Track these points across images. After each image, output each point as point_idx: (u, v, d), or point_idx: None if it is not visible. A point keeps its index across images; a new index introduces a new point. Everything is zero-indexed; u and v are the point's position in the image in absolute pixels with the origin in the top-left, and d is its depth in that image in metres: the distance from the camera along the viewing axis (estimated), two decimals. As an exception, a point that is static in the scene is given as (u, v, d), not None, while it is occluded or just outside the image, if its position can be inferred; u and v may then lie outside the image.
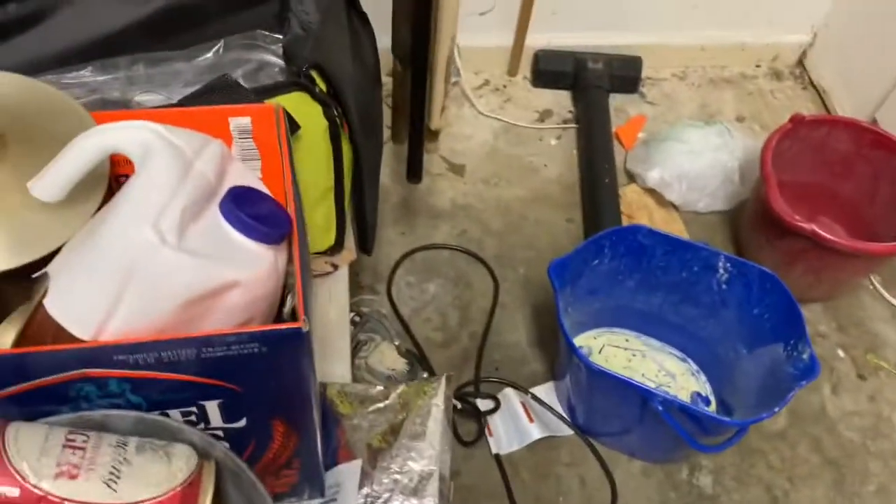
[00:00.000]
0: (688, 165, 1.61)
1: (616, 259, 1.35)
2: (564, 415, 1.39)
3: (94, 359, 0.50)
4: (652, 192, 1.66)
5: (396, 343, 1.12)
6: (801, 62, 2.00)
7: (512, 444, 1.37)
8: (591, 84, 1.79)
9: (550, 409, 1.38)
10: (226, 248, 0.52)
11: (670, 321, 1.43)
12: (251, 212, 0.54)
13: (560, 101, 1.87)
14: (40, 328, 0.51)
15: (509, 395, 1.40)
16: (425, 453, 0.71)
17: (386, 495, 0.69)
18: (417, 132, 1.14)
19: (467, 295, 1.55)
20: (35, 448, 0.48)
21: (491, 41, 1.85)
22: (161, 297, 0.50)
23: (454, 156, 1.74)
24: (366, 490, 0.69)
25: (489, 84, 1.89)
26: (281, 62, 0.86)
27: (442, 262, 1.59)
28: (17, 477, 0.47)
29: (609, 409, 1.30)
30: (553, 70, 1.83)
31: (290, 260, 0.58)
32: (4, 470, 0.47)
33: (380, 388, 0.78)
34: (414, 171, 1.22)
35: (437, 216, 1.65)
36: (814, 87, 1.97)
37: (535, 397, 1.39)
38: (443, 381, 0.76)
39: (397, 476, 0.70)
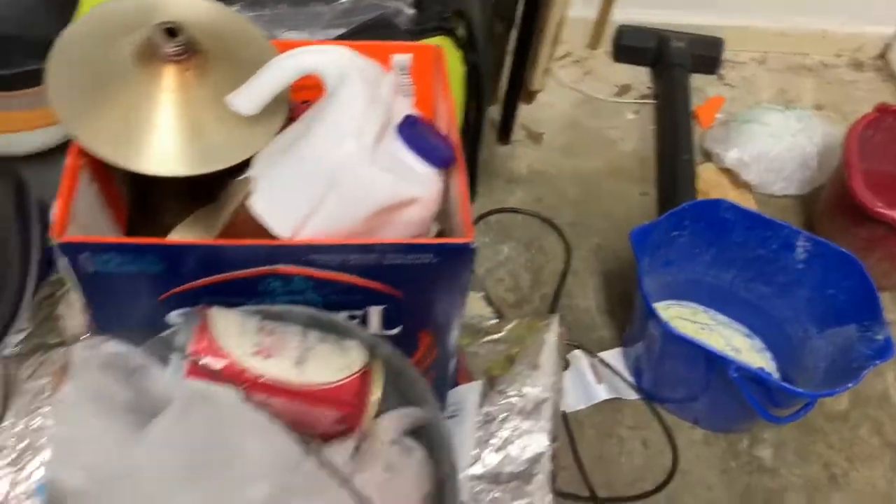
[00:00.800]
0: (767, 147, 1.63)
1: (695, 232, 1.38)
2: (630, 380, 1.43)
3: (288, 256, 0.55)
4: (727, 172, 1.69)
5: (481, 293, 1.17)
6: (883, 55, 2.00)
7: (578, 403, 1.42)
8: (672, 62, 1.81)
9: (617, 372, 1.43)
10: (404, 169, 0.57)
11: (740, 297, 1.46)
12: (424, 139, 0.59)
13: (639, 76, 1.89)
14: (241, 225, 0.57)
15: (578, 357, 1.45)
16: (540, 381, 0.76)
17: (503, 415, 0.74)
18: (515, 93, 1.17)
19: (540, 259, 1.59)
20: (234, 330, 0.54)
21: (575, 13, 1.87)
22: (355, 205, 0.55)
23: (534, 124, 1.78)
24: (484, 409, 0.75)
25: (570, 56, 1.92)
26: (412, 11, 0.91)
27: (516, 226, 1.63)
28: (222, 352, 0.52)
29: (678, 375, 1.34)
30: (635, 46, 1.85)
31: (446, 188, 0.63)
32: (211, 345, 0.52)
33: (492, 321, 0.83)
34: (505, 131, 1.25)
35: (514, 181, 1.69)
36: (895, 80, 1.97)
37: (603, 361, 1.44)
38: (556, 318, 0.81)
39: (514, 399, 0.75)
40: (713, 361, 1.20)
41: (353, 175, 0.54)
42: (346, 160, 0.54)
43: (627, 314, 1.50)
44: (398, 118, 0.60)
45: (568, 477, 1.35)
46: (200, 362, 0.51)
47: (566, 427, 1.39)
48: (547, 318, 0.81)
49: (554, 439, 0.74)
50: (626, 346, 1.48)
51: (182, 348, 0.52)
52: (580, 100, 1.84)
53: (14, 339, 0.74)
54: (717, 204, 1.34)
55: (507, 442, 0.73)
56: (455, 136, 0.62)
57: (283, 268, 0.56)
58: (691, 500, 1.33)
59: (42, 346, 0.74)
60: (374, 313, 0.61)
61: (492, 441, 0.73)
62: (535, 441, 0.74)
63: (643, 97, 1.85)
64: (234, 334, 0.54)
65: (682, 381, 1.34)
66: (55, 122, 1.07)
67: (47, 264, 0.92)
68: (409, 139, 0.58)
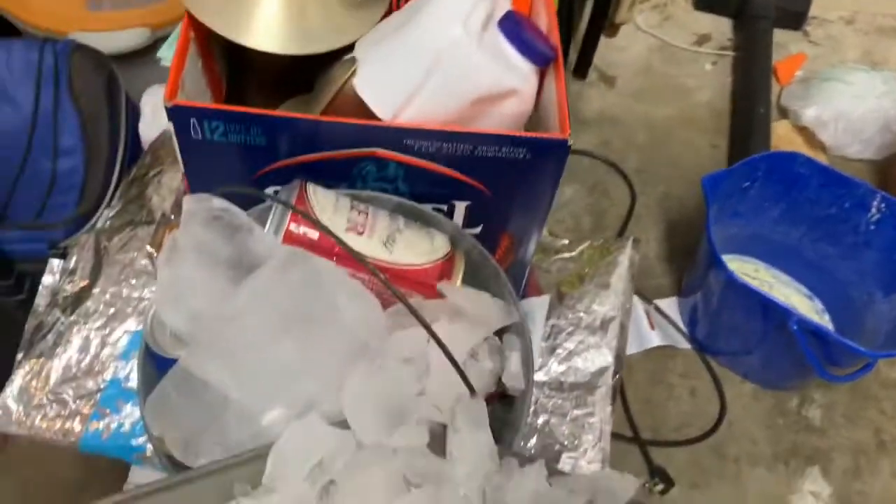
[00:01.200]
0: (848, 107, 1.58)
1: (767, 185, 1.36)
2: (684, 329, 1.43)
3: (386, 139, 0.56)
4: (803, 130, 1.64)
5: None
6: (978, 23, 1.91)
7: (630, 348, 1.42)
8: (756, 13, 1.75)
9: (672, 321, 1.42)
10: (506, 61, 0.58)
11: (805, 257, 1.43)
12: (525, 34, 0.59)
13: (720, 27, 1.84)
14: (343, 106, 0.58)
15: (634, 302, 1.44)
16: (609, 300, 0.77)
17: (570, 329, 0.75)
18: (598, 25, 1.15)
19: (603, 203, 1.58)
20: (329, 205, 0.55)
21: (660, -44, 1.83)
22: (456, 90, 0.55)
23: (607, 67, 1.75)
24: (552, 322, 0.76)
25: (650, 0, 1.88)
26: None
27: (581, 168, 1.62)
28: (318, 223, 0.54)
29: (735, 326, 1.33)
30: (720, -6, 1.80)
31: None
32: (308, 213, 0.54)
33: (564, 242, 0.84)
34: (584, 65, 1.23)
35: (583, 123, 1.67)
36: None
37: (658, 308, 1.43)
38: (630, 242, 0.81)
39: (582, 315, 0.76)
40: (773, 313, 1.19)
41: (458, 58, 0.54)
42: (452, 44, 0.54)
43: (687, 264, 1.49)
44: (500, 13, 0.60)
45: (614, 417, 1.36)
46: (297, 231, 0.53)
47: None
48: (621, 241, 0.81)
49: (618, 357, 0.75)
50: (682, 296, 1.47)
51: (280, 216, 0.54)
52: (657, 46, 1.80)
53: (105, 214, 0.77)
54: (793, 157, 1.32)
55: (572, 354, 0.75)
56: (555, 35, 0.62)
57: (379, 151, 0.57)
58: (735, 450, 1.34)
59: (131, 222, 0.77)
60: (459, 209, 0.62)
61: (557, 351, 0.75)
62: (600, 356, 0.75)
63: (722, 48, 1.80)
64: (329, 209, 0.55)
65: (738, 333, 1.34)
66: (142, 25, 1.10)
67: (133, 151, 0.95)
68: (511, 33, 0.58)
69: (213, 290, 0.47)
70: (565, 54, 0.90)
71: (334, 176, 0.57)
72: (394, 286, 0.53)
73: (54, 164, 0.97)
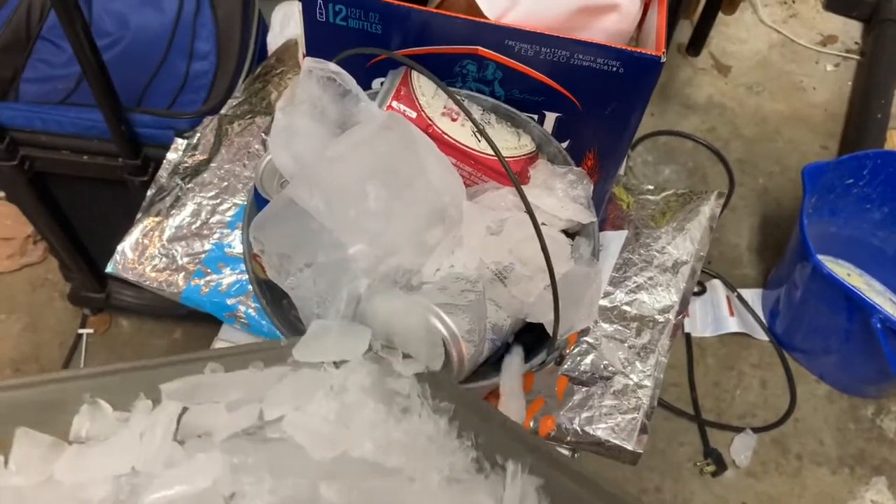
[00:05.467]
0: (974, 122, 1.52)
1: (871, 185, 1.32)
2: (764, 321, 1.41)
3: (490, 37, 0.60)
4: (921, 142, 1.58)
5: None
6: None
7: (706, 330, 1.42)
8: (890, 18, 1.69)
9: (752, 311, 1.41)
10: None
11: (904, 267, 1.39)
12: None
13: (849, 29, 1.79)
14: (452, 8, 0.62)
15: (716, 286, 1.44)
16: (684, 245, 0.79)
17: (642, 264, 0.78)
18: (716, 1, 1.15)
19: (700, 188, 1.58)
20: (430, 91, 0.60)
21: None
22: (562, -4, 0.59)
23: (723, 55, 1.73)
24: (625, 255, 0.79)
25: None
26: None
27: (683, 152, 1.61)
28: (418, 104, 0.59)
29: (816, 322, 1.31)
30: (855, -4, 1.75)
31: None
32: (409, 97, 0.59)
33: (649, 186, 0.86)
34: (698, 41, 1.24)
35: (691, 107, 1.67)
36: None
37: (740, 297, 1.43)
38: (714, 193, 0.83)
39: (655, 253, 0.79)
40: (857, 310, 1.17)
41: (567, -37, 0.58)
42: (563, -51, 0.58)
43: (775, 259, 1.47)
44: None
45: (677, 393, 1.36)
46: (398, 108, 0.58)
47: (688, 348, 1.40)
48: (704, 193, 0.83)
49: (684, 300, 0.77)
50: (767, 289, 1.46)
51: (385, 93, 0.59)
52: (778, 41, 1.77)
53: (230, 103, 0.85)
54: (904, 158, 1.28)
55: (640, 288, 0.77)
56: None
57: (481, 49, 0.61)
58: (799, 447, 1.32)
59: (251, 111, 0.84)
60: (549, 120, 0.66)
61: (625, 283, 0.77)
62: (667, 295, 0.77)
63: (848, 51, 1.75)
64: (429, 94, 0.60)
65: (819, 329, 1.31)
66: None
67: (259, 60, 1.03)
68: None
69: (318, 140, 0.53)
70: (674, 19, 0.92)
71: (437, 72, 0.62)
72: (481, 171, 0.58)
73: (188, 66, 1.07)
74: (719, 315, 1.42)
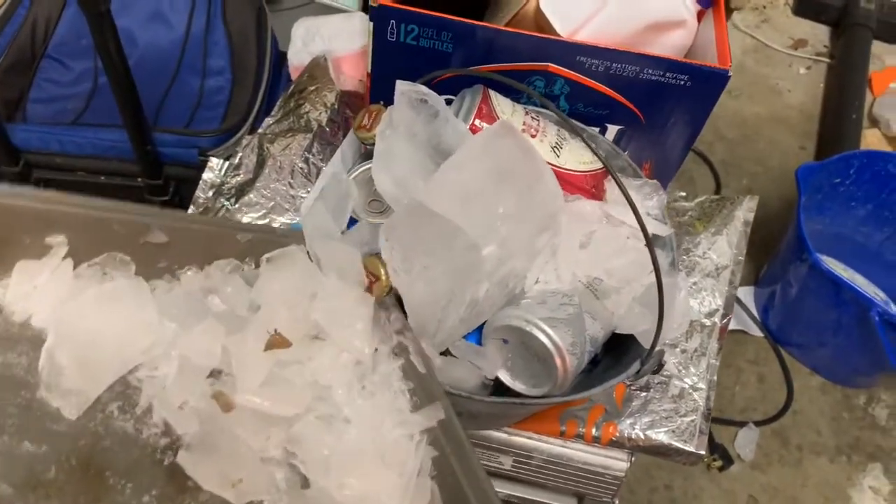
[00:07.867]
0: (942, 121, 1.60)
1: (857, 184, 1.38)
2: (758, 317, 1.46)
3: (561, 53, 0.62)
4: (893, 140, 1.66)
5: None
6: None
7: (703, 328, 1.46)
8: (857, 22, 1.77)
9: (746, 308, 1.46)
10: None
11: (886, 260, 1.45)
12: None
13: (817, 33, 1.87)
14: (523, 20, 0.63)
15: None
16: (724, 250, 0.82)
17: (686, 270, 0.80)
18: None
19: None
20: (507, 107, 0.61)
21: (765, -40, 1.86)
22: (633, 14, 0.61)
23: (702, 61, 1.78)
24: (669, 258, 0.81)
25: (750, 1, 1.91)
26: None
27: (669, 155, 1.65)
28: (497, 119, 0.60)
29: (811, 316, 1.36)
30: (821, 1, 1.82)
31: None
32: (490, 114, 0.60)
33: (682, 193, 0.89)
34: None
35: (674, 112, 1.71)
36: None
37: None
38: (747, 198, 0.86)
39: (698, 259, 0.81)
40: (855, 304, 1.22)
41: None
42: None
43: (764, 258, 1.52)
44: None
45: (680, 391, 1.40)
46: (479, 124, 0.59)
47: (687, 347, 1.44)
48: (737, 198, 0.86)
49: (728, 302, 0.79)
50: (759, 286, 1.50)
51: (467, 111, 0.60)
52: (752, 46, 1.83)
53: (267, 122, 0.85)
54: (889, 157, 1.34)
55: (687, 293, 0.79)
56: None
57: (552, 66, 0.63)
58: (798, 439, 1.37)
59: (291, 129, 0.84)
60: (611, 132, 0.67)
61: (672, 288, 0.79)
62: (712, 299, 0.79)
63: (818, 54, 1.82)
64: (508, 112, 0.61)
65: (814, 324, 1.36)
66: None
67: (276, 76, 1.03)
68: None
69: (416, 162, 0.53)
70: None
71: (506, 87, 0.63)
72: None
73: (202, 83, 1.05)
74: (716, 313, 1.46)
